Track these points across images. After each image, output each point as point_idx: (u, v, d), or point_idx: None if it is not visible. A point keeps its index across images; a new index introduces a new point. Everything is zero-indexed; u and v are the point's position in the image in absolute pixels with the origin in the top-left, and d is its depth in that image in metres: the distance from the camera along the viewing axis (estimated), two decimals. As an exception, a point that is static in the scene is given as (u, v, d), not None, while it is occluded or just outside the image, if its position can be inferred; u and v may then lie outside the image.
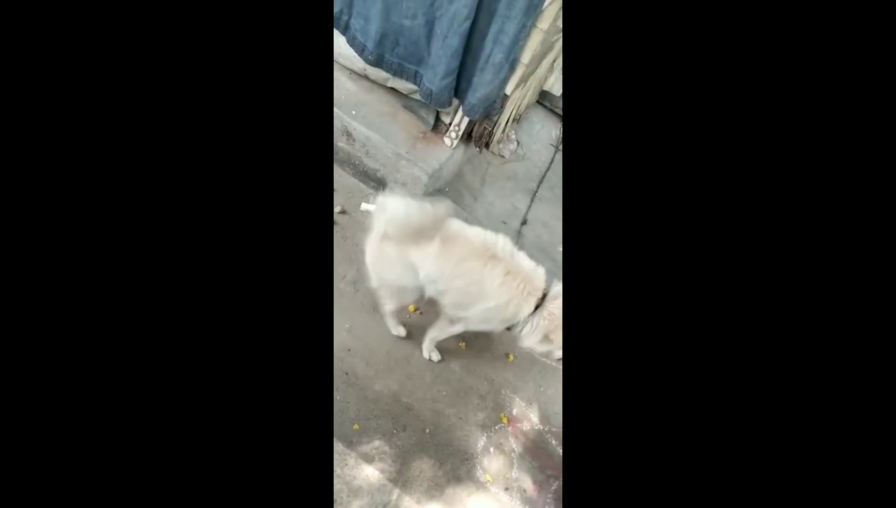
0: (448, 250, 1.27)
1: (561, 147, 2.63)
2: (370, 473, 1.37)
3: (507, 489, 1.43)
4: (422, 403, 1.54)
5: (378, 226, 1.30)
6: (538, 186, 2.38)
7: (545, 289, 1.30)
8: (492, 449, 1.50)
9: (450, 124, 2.01)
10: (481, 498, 1.40)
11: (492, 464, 1.47)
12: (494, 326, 1.39)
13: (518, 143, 2.46)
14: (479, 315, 1.34)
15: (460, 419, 1.54)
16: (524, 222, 2.20)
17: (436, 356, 1.62)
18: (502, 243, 1.30)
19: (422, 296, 1.41)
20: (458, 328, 1.47)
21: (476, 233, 1.30)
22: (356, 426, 1.42)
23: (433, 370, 1.62)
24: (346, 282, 1.66)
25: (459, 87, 1.82)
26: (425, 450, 1.45)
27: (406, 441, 1.45)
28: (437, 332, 1.54)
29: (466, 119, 1.94)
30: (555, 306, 1.28)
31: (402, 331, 1.60)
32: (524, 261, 1.31)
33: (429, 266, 1.29)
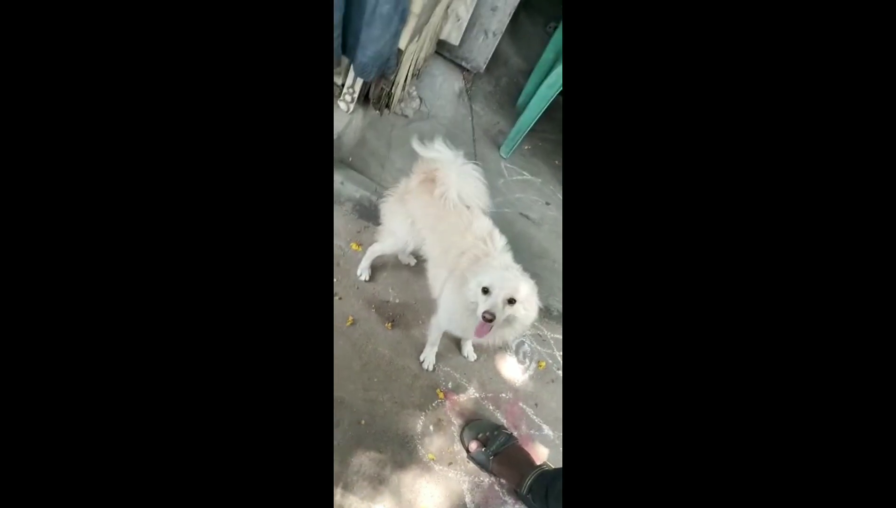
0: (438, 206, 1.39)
1: (467, 99, 2.53)
2: (307, 479, 1.29)
3: (451, 463, 1.42)
4: (353, 394, 1.46)
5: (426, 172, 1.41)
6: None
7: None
8: (431, 427, 1.47)
9: (342, 86, 1.81)
10: (428, 479, 1.38)
11: (433, 442, 1.45)
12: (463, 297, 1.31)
13: (421, 100, 2.32)
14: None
15: (395, 402, 1.49)
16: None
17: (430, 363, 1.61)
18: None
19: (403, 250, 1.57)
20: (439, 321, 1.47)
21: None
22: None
23: (361, 358, 1.53)
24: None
25: (347, 43, 1.63)
26: (363, 443, 1.39)
27: (341, 437, 1.38)
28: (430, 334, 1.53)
29: (360, 80, 1.76)
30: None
31: (366, 275, 1.69)
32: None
33: (419, 213, 1.43)
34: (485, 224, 1.41)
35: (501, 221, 2.11)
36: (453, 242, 1.37)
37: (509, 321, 1.21)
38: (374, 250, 1.63)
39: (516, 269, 1.29)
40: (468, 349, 1.66)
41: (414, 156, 2.13)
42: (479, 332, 1.19)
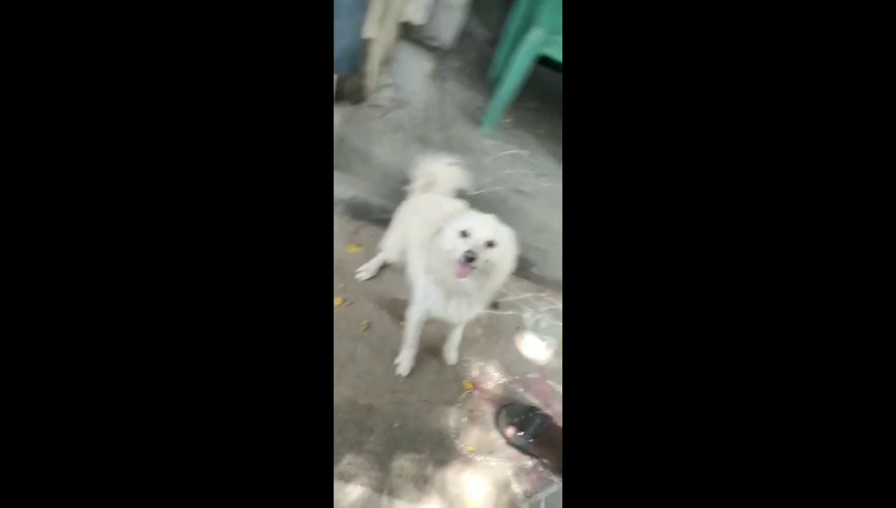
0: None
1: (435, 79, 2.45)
2: (352, 491, 1.27)
3: (491, 452, 1.41)
4: (381, 399, 1.43)
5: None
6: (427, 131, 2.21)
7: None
8: (465, 419, 1.46)
9: (314, 86, 1.73)
10: (471, 472, 1.37)
11: (470, 434, 1.43)
12: (441, 271, 1.24)
13: (394, 87, 2.23)
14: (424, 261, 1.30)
15: (425, 401, 1.46)
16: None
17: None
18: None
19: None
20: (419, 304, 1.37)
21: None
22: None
23: (383, 362, 1.50)
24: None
25: (313, 40, 1.54)
26: (400, 446, 1.37)
27: (377, 444, 1.35)
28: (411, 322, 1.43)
29: (334, 77, 1.67)
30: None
31: (367, 275, 1.69)
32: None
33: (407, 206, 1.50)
34: (456, 203, 1.44)
35: (494, 200, 2.08)
36: (427, 218, 1.34)
37: (487, 269, 1.17)
38: (380, 258, 1.67)
39: (494, 218, 1.25)
40: (451, 352, 1.59)
41: (395, 147, 2.07)
42: (461, 272, 1.13)
